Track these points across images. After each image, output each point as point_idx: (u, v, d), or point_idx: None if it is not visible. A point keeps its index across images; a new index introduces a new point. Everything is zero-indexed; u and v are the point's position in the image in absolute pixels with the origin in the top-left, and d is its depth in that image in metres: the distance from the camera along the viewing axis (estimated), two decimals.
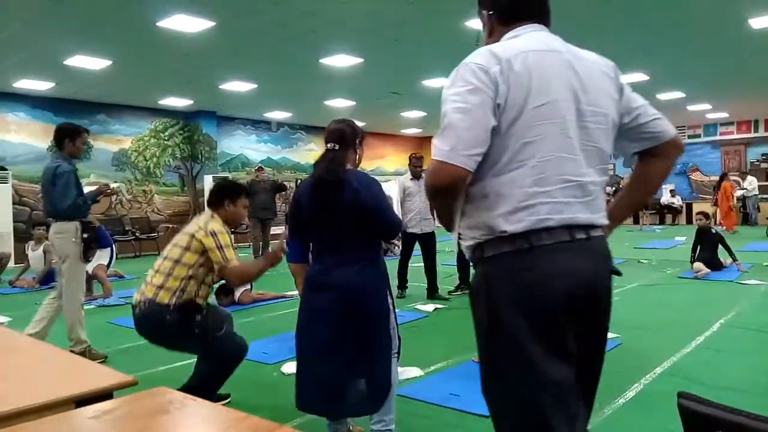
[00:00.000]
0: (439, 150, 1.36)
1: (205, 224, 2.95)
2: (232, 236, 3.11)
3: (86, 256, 4.33)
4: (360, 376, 2.40)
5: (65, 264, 4.29)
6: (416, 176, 6.40)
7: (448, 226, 1.52)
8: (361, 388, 2.40)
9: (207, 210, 3.11)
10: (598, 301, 1.43)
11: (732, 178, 17.97)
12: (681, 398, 0.86)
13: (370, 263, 2.47)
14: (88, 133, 4.53)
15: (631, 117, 1.55)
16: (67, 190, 4.15)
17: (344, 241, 2.44)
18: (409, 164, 6.63)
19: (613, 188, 19.51)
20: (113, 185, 4.89)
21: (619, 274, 1.48)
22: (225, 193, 3.14)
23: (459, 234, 1.48)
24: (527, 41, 1.46)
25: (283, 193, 11.97)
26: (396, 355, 2.57)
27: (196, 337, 2.91)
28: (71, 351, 4.12)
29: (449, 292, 6.49)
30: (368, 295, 2.43)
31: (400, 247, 10.57)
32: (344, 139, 2.54)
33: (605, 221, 1.46)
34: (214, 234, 2.90)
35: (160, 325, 2.86)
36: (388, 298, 2.51)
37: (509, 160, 1.37)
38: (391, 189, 2.51)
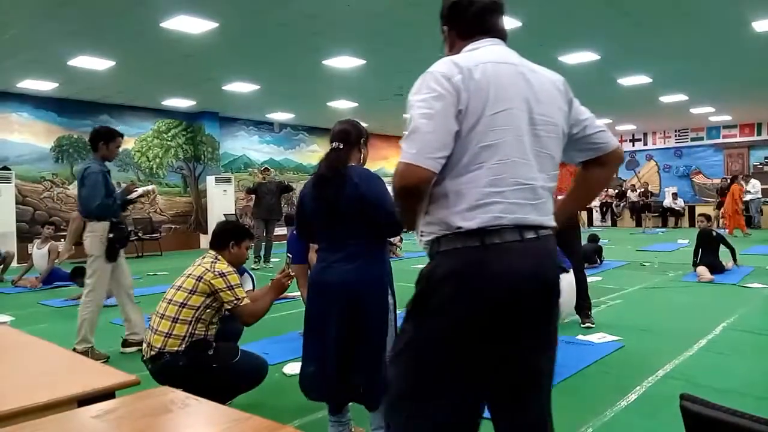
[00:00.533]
0: (406, 153, 1.45)
1: (212, 265, 2.94)
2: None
3: (111, 256, 4.35)
4: (361, 373, 2.40)
5: (91, 262, 4.36)
6: None
7: (411, 226, 1.60)
8: (363, 386, 2.40)
9: (210, 252, 3.09)
10: (543, 297, 1.51)
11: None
12: (683, 400, 0.86)
13: (371, 260, 2.47)
14: (122, 137, 4.60)
15: (579, 128, 1.64)
16: (95, 191, 4.22)
17: (345, 238, 2.45)
18: None
19: (616, 190, 19.57)
20: (149, 188, 4.95)
21: (565, 271, 1.57)
22: (230, 236, 3.13)
23: (420, 231, 1.56)
24: (486, 53, 1.56)
25: (289, 194, 11.98)
26: None
27: (215, 371, 2.87)
28: (74, 349, 4.15)
29: None
30: (367, 293, 2.43)
31: (402, 249, 10.51)
32: (348, 138, 2.55)
33: (553, 223, 1.56)
34: (223, 275, 2.90)
35: (176, 373, 2.78)
36: (389, 296, 2.50)
37: (468, 162, 1.46)
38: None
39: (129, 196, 4.56)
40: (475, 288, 1.43)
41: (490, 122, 1.46)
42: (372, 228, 2.45)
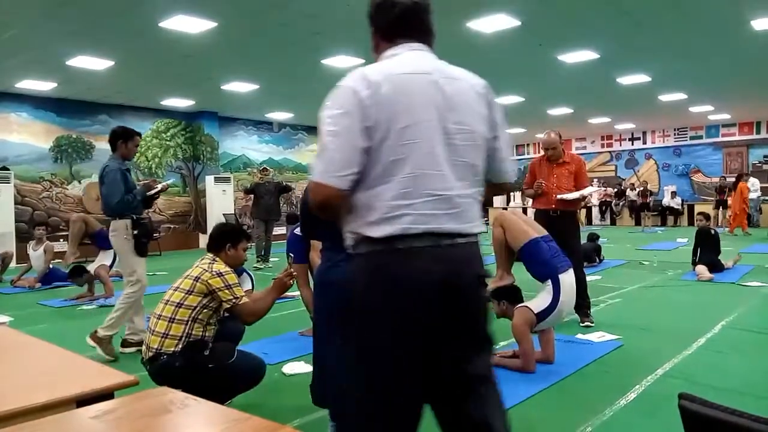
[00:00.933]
0: (314, 170, 1.52)
1: (210, 266, 2.94)
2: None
3: (140, 251, 4.37)
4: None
5: (124, 260, 4.43)
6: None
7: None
8: None
9: (208, 254, 3.10)
10: (459, 302, 1.52)
11: (733, 179, 17.97)
12: (682, 400, 0.86)
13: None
14: (140, 136, 4.61)
15: (492, 136, 1.66)
16: (114, 188, 4.26)
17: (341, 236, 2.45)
18: None
19: (615, 189, 19.58)
20: (168, 182, 4.96)
21: (488, 276, 1.61)
22: (226, 238, 3.13)
23: (345, 236, 1.62)
24: (400, 62, 1.57)
25: (288, 194, 11.96)
26: None
27: (212, 372, 2.86)
28: (96, 332, 4.24)
29: None
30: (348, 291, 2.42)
31: None
32: None
33: (477, 230, 1.58)
34: (220, 274, 2.90)
35: (173, 374, 2.77)
36: None
37: (379, 176, 1.49)
38: None
39: (149, 192, 4.57)
40: (386, 289, 1.48)
41: (400, 136, 1.47)
42: None
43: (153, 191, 4.59)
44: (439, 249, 1.49)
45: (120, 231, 4.34)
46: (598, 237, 9.42)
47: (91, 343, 4.22)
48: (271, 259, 9.95)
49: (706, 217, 8.27)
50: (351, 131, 1.47)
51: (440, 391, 1.56)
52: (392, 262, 1.49)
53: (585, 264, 7.03)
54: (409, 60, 1.58)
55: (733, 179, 15.56)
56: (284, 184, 11.10)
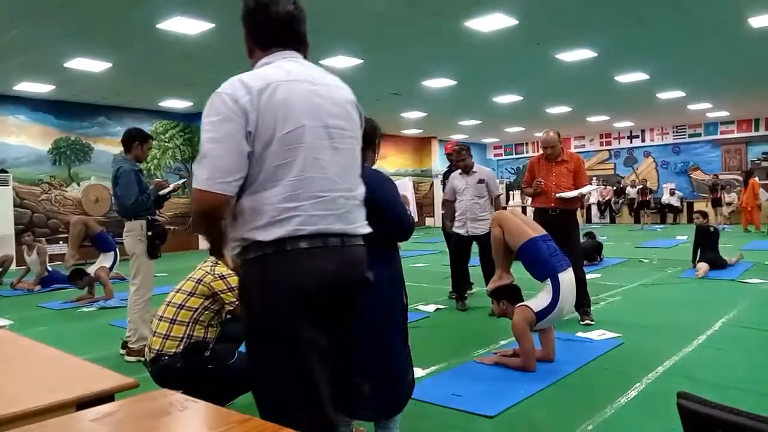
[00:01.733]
0: (198, 178, 1.50)
1: (212, 269, 2.95)
2: None
3: (152, 253, 4.37)
4: (364, 379, 2.38)
5: (133, 261, 4.41)
6: (464, 171, 5.80)
7: (218, 245, 1.64)
8: (366, 392, 2.40)
9: (210, 257, 3.10)
10: (346, 297, 1.63)
11: (732, 176, 18.00)
12: (680, 398, 0.86)
13: (379, 263, 2.44)
14: (153, 139, 4.62)
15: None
16: (129, 189, 4.27)
17: None
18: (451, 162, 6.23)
19: (614, 187, 19.60)
20: (179, 182, 4.96)
21: (371, 279, 1.71)
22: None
23: (231, 246, 1.62)
24: (278, 70, 1.60)
25: None
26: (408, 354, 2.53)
27: (212, 373, 2.86)
28: (129, 348, 4.28)
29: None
30: (370, 297, 2.43)
31: (400, 247, 10.38)
32: (365, 138, 2.54)
33: (363, 231, 1.65)
34: (223, 277, 2.91)
35: (174, 375, 2.78)
36: (402, 298, 2.47)
37: (264, 180, 1.52)
38: (407, 188, 2.49)
39: (161, 192, 4.56)
40: (280, 292, 1.52)
41: (284, 141, 1.51)
42: (381, 231, 2.43)
43: (165, 191, 4.59)
44: (328, 249, 1.54)
45: (135, 232, 4.34)
46: (594, 235, 9.42)
47: (131, 358, 4.25)
48: None
49: (704, 214, 8.25)
50: (234, 137, 1.48)
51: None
52: (283, 264, 1.52)
53: (585, 262, 7.03)
54: (286, 67, 1.62)
55: (728, 177, 15.61)
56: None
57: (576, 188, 4.98)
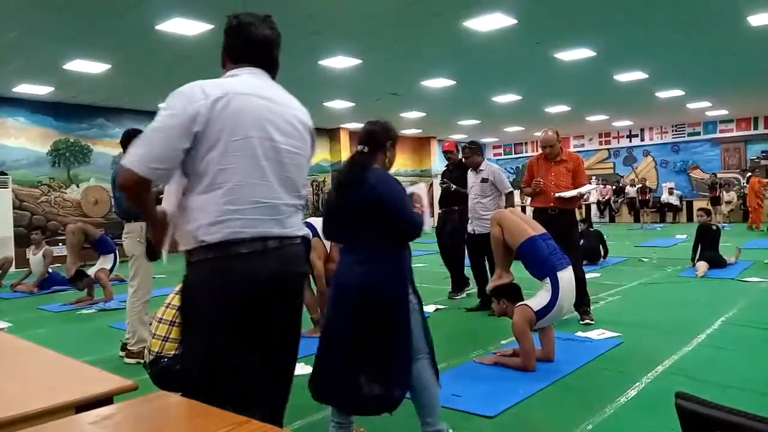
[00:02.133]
0: (129, 156, 1.63)
1: None
2: None
3: (151, 255, 4.37)
4: (371, 377, 2.39)
5: (132, 263, 4.42)
6: (473, 169, 5.81)
7: (143, 216, 1.90)
8: (373, 390, 2.38)
9: None
10: (285, 297, 1.75)
11: (732, 175, 18.02)
12: (678, 399, 0.86)
13: (385, 263, 2.45)
14: None
15: (308, 163, 1.88)
16: None
17: (363, 239, 2.46)
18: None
19: (613, 186, 19.59)
20: None
21: (308, 273, 1.82)
22: None
23: (177, 240, 1.76)
24: (239, 82, 1.75)
25: None
26: (427, 356, 2.51)
27: None
28: (129, 350, 4.29)
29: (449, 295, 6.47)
30: (379, 296, 2.41)
31: None
32: (373, 140, 2.54)
33: (300, 233, 1.80)
34: None
35: (173, 377, 2.77)
36: (410, 297, 2.47)
37: (209, 183, 1.65)
38: (422, 191, 2.48)
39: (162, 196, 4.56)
40: (223, 292, 1.65)
41: (229, 148, 1.64)
42: (387, 231, 2.44)
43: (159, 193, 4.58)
44: (267, 251, 1.68)
45: (134, 233, 4.34)
46: (595, 231, 9.28)
47: (131, 360, 4.25)
48: None
49: (707, 212, 8.21)
50: (174, 131, 1.62)
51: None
52: (226, 265, 1.65)
53: (585, 262, 7.03)
54: (248, 81, 1.77)
55: (727, 176, 15.63)
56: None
57: (575, 188, 4.98)
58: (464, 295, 6.33)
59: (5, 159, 11.58)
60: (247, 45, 1.81)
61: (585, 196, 5.33)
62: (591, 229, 9.11)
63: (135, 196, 1.69)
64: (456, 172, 6.29)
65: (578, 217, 7.03)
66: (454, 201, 6.23)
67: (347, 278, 2.48)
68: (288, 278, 1.76)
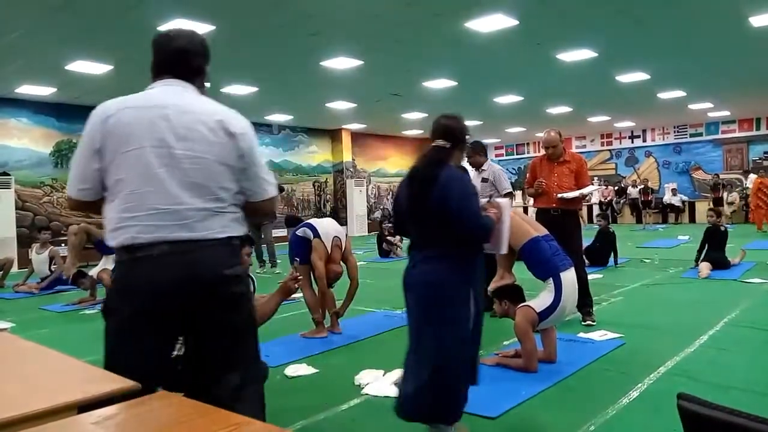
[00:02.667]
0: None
1: None
2: None
3: None
4: (424, 380, 2.35)
5: None
6: (475, 167, 5.65)
7: None
8: (424, 393, 2.37)
9: None
10: (199, 298, 1.76)
11: (735, 176, 17.99)
12: (680, 400, 0.86)
13: (447, 264, 2.39)
14: None
15: (235, 163, 1.85)
16: None
17: (427, 238, 2.42)
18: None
19: (615, 187, 19.57)
20: None
21: (235, 274, 1.81)
22: None
23: None
24: (142, 96, 1.88)
25: (281, 194, 11.81)
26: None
27: None
28: None
29: None
30: (438, 296, 2.37)
31: (402, 249, 10.41)
32: (454, 136, 2.48)
33: (219, 235, 1.79)
34: None
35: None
36: (470, 301, 2.41)
37: (110, 193, 1.79)
38: (505, 206, 2.43)
39: None
40: (129, 293, 1.75)
41: (122, 160, 1.75)
42: (451, 232, 2.36)
43: None
44: (166, 255, 1.72)
45: None
46: (608, 232, 8.89)
47: None
48: (277, 261, 9.82)
49: (717, 213, 8.09)
50: (83, 152, 1.80)
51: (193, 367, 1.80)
52: (129, 267, 1.76)
53: (587, 263, 7.00)
54: (153, 94, 1.87)
55: (730, 177, 15.58)
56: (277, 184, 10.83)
57: (578, 189, 4.98)
58: None
59: (8, 160, 11.60)
60: (164, 58, 1.91)
61: (588, 197, 5.31)
62: (609, 230, 8.81)
63: (87, 211, 1.91)
64: None
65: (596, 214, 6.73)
66: None
67: (411, 278, 2.45)
68: (198, 281, 1.76)
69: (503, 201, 2.66)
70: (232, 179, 1.85)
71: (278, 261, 9.66)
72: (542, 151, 5.21)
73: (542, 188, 5.01)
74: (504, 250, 2.59)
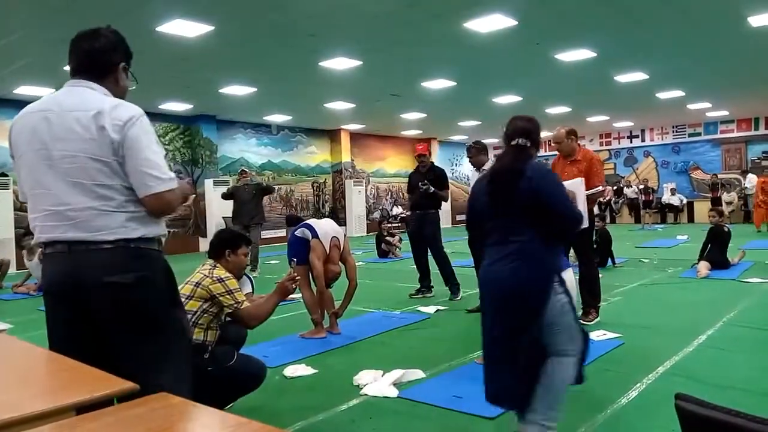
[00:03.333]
0: None
1: (210, 272, 2.95)
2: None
3: None
4: (515, 374, 2.34)
5: None
6: (477, 167, 5.73)
7: None
8: (514, 385, 2.35)
9: (209, 260, 3.10)
10: (87, 300, 1.78)
11: (733, 175, 18.01)
12: (678, 400, 0.86)
13: (535, 259, 2.38)
14: None
15: (113, 159, 1.80)
16: None
17: (513, 235, 2.39)
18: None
19: (614, 187, 19.58)
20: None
21: (123, 282, 1.78)
22: (224, 245, 3.13)
23: None
24: (39, 101, 1.92)
25: (272, 195, 11.69)
26: (576, 355, 2.44)
27: (212, 375, 2.85)
28: None
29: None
30: (527, 292, 2.34)
31: (401, 249, 10.40)
32: (532, 137, 2.53)
33: (108, 237, 1.77)
34: (221, 280, 2.91)
35: None
36: (561, 296, 2.39)
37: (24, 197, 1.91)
38: (578, 188, 2.43)
39: None
40: (44, 285, 1.90)
41: (19, 165, 1.86)
42: (542, 226, 2.37)
43: None
44: (59, 255, 1.79)
45: None
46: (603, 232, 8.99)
47: None
48: (271, 263, 9.84)
49: (719, 213, 8.06)
50: (14, 160, 1.92)
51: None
52: (44, 266, 1.91)
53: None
54: (48, 97, 1.91)
55: (728, 176, 15.59)
56: (265, 184, 10.46)
57: (587, 189, 4.96)
58: (460, 297, 6.32)
59: (6, 160, 11.57)
60: (73, 60, 1.96)
61: (595, 197, 5.25)
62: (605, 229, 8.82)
63: None
64: (429, 175, 6.39)
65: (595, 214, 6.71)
66: (431, 204, 6.38)
67: (493, 275, 2.42)
68: (80, 285, 1.76)
69: (574, 182, 2.68)
70: (111, 175, 1.79)
71: (258, 267, 9.34)
72: (540, 151, 5.21)
73: None
74: (586, 224, 2.66)
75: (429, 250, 6.45)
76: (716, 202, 16.17)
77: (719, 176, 17.78)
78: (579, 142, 5.35)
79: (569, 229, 2.47)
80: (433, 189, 6.28)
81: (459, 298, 6.29)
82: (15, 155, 1.87)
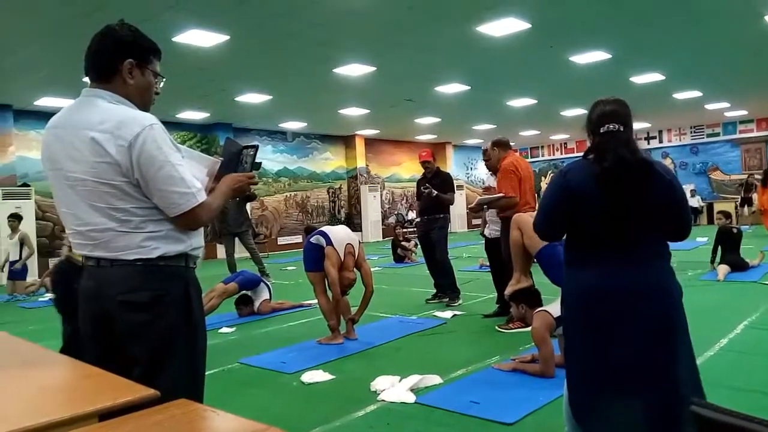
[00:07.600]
0: None
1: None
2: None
3: None
4: (684, 393, 2.09)
5: None
6: (492, 171, 5.67)
7: None
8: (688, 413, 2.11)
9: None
10: (103, 315, 1.77)
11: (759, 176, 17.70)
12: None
13: (662, 263, 2.12)
14: None
15: (125, 180, 1.71)
16: None
17: (640, 238, 2.07)
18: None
19: None
20: None
21: (135, 300, 1.74)
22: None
23: None
24: (59, 114, 1.86)
25: (252, 202, 11.59)
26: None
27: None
28: None
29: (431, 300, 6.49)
30: (670, 297, 2.14)
31: (417, 254, 10.37)
32: (627, 120, 2.16)
33: (129, 257, 1.73)
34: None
35: None
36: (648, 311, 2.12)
37: None
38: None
39: None
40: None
41: (50, 180, 1.83)
42: (668, 226, 2.10)
43: None
44: (91, 268, 1.79)
45: None
46: None
47: None
48: (280, 272, 9.87)
49: (726, 215, 8.07)
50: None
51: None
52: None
53: None
54: (63, 111, 1.85)
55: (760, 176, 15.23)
56: (247, 192, 10.31)
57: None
58: (460, 301, 6.33)
59: (28, 171, 11.79)
60: (85, 66, 1.86)
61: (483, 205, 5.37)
62: None
63: None
64: (435, 180, 6.39)
65: None
66: (437, 209, 6.42)
67: (624, 283, 2.05)
68: (106, 298, 1.75)
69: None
70: (123, 197, 1.71)
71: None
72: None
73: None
74: None
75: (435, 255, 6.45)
76: (749, 202, 15.80)
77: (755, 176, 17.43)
78: (506, 152, 5.36)
79: (687, 232, 2.15)
80: (435, 192, 6.28)
81: (457, 304, 6.27)
82: (44, 170, 1.86)
